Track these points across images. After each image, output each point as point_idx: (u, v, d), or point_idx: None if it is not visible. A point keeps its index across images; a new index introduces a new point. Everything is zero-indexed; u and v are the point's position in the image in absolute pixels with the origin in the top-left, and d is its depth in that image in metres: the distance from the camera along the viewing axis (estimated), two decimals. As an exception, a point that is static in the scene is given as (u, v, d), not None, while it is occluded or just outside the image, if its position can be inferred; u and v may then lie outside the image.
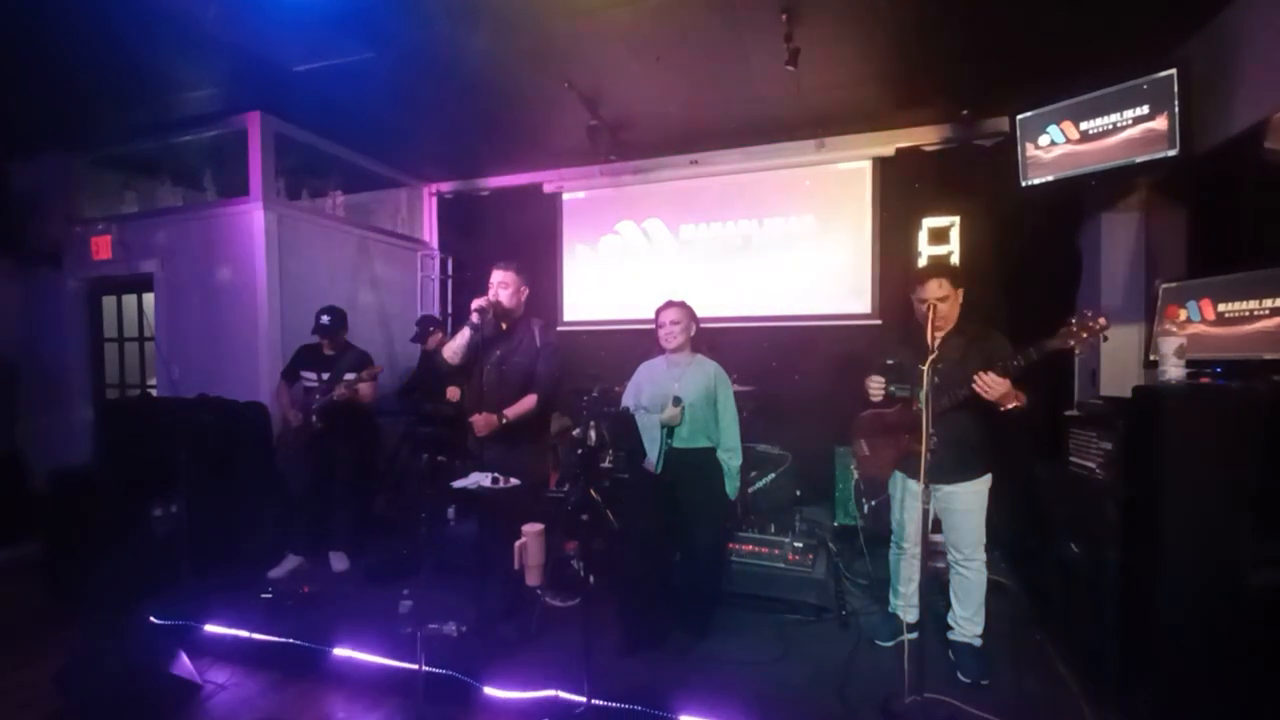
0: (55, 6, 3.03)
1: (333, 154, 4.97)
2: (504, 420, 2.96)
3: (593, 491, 2.47)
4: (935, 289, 2.50)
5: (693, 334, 2.98)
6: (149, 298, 4.94)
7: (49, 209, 5.12)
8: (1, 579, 4.05)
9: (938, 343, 2.45)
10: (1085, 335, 2.17)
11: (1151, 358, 2.78)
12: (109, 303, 5.38)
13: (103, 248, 4.97)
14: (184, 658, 2.70)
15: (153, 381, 5.10)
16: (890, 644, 2.80)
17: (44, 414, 5.23)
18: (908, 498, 2.70)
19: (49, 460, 4.77)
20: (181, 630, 3.09)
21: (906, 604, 2.77)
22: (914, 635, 2.51)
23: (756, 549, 3.33)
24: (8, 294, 5.26)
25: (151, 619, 3.17)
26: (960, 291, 2.56)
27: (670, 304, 3.01)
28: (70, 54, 3.47)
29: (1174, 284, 2.89)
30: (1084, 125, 3.27)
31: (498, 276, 3.08)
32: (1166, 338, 2.37)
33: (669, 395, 2.82)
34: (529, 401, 3.03)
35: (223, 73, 3.84)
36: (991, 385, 2.28)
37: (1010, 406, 2.34)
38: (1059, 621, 2.83)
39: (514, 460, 2.94)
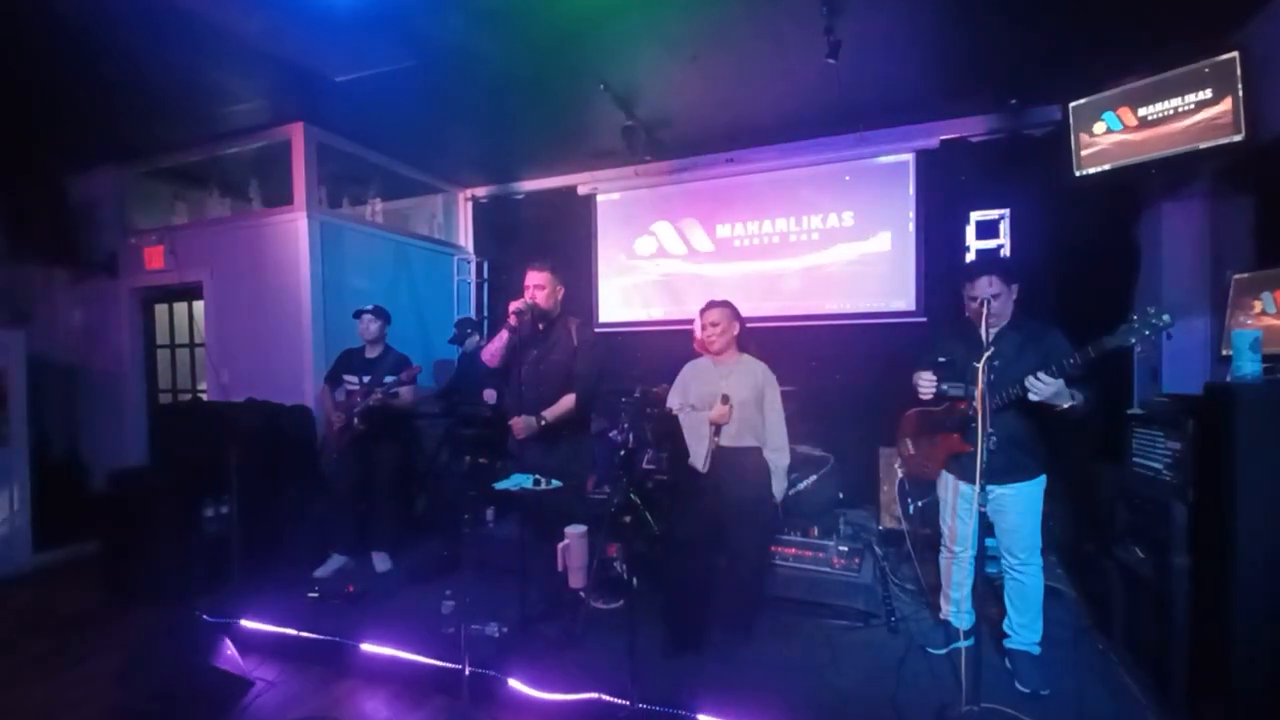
0: (107, 28, 3.14)
1: (372, 162, 5.06)
2: (543, 422, 2.96)
3: (633, 494, 2.45)
4: (986, 286, 2.42)
5: (736, 334, 2.94)
6: (199, 305, 5.10)
7: (104, 221, 5.33)
8: (63, 576, 4.21)
9: (991, 339, 2.36)
10: (1148, 333, 2.06)
11: (1224, 352, 2.64)
12: (161, 310, 5.57)
13: (155, 257, 5.14)
14: (234, 654, 2.77)
15: (203, 386, 5.26)
16: (943, 651, 2.71)
17: (102, 417, 5.44)
18: (958, 500, 2.61)
19: (107, 461, 4.97)
20: (232, 627, 3.17)
21: (959, 610, 2.68)
22: (969, 642, 2.42)
23: (800, 552, 3.26)
24: (67, 303, 5.50)
25: (203, 616, 3.25)
26: (1015, 287, 2.48)
27: (711, 305, 2.95)
28: (123, 72, 3.60)
29: (1247, 275, 2.74)
30: (1142, 111, 3.13)
31: (533, 278, 3.07)
32: (1241, 331, 2.24)
33: (717, 393, 2.78)
34: (567, 402, 3.02)
35: (267, 85, 3.95)
36: (1042, 386, 2.19)
37: (1066, 406, 2.25)
38: (1122, 630, 2.70)
39: (553, 461, 2.94)
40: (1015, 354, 2.40)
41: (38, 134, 4.48)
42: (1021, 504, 2.46)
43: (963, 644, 2.52)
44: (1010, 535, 2.50)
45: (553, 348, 3.07)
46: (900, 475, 3.58)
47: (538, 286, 3.05)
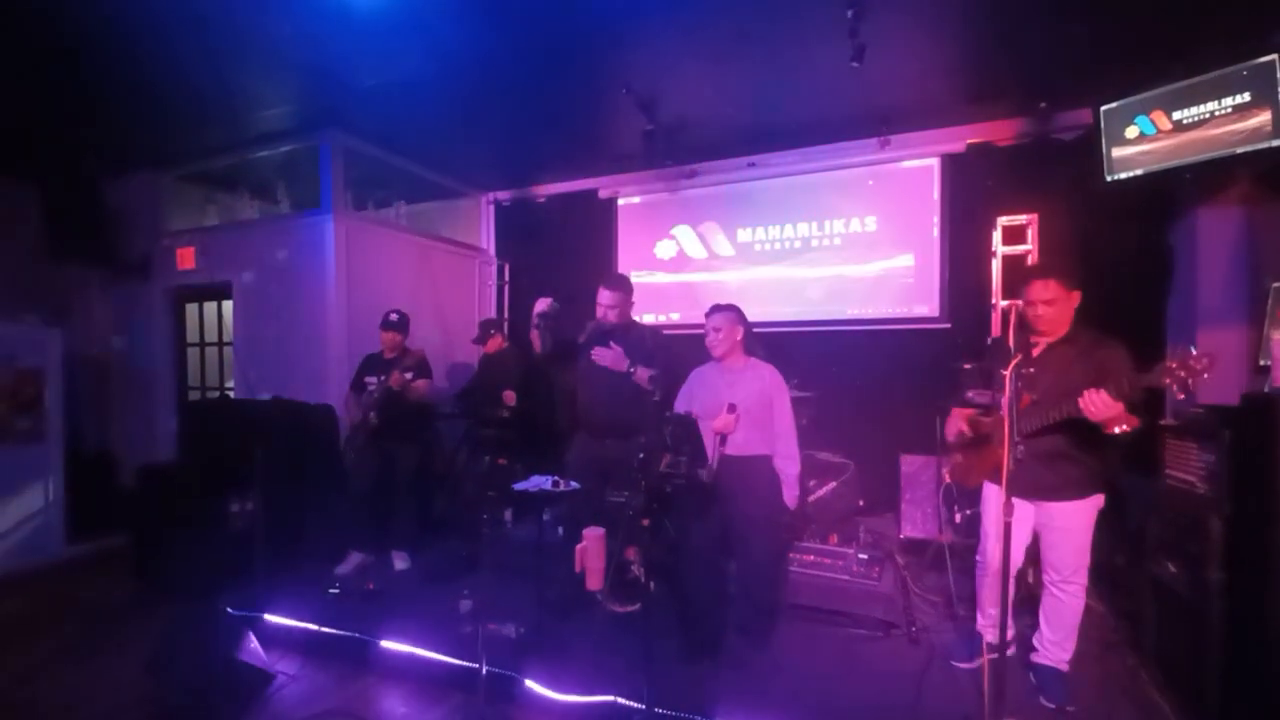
0: (146, 36, 3.23)
1: (397, 166, 5.14)
2: (631, 369, 3.08)
3: (651, 498, 2.43)
4: (1040, 291, 2.34)
5: (740, 338, 2.91)
6: (228, 305, 5.21)
7: (139, 223, 5.47)
8: (94, 567, 4.32)
9: (1040, 350, 2.35)
10: (1185, 375, 1.92)
11: (1262, 362, 2.56)
12: (191, 309, 5.70)
13: (186, 258, 5.27)
14: (258, 648, 2.81)
15: (231, 384, 5.38)
16: (971, 665, 2.64)
17: (133, 413, 5.59)
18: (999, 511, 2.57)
19: (137, 456, 5.10)
20: (255, 621, 3.22)
21: (989, 624, 2.62)
22: (994, 656, 2.38)
23: (819, 559, 3.24)
24: (102, 302, 5.66)
25: (228, 609, 3.30)
26: (1075, 295, 2.36)
27: (715, 309, 2.93)
28: (159, 78, 3.70)
29: (1286, 282, 2.66)
30: (1177, 115, 3.05)
31: (606, 298, 3.19)
32: (1281, 340, 2.17)
33: (722, 402, 2.75)
34: (646, 373, 3.13)
35: (297, 90, 4.04)
36: (1099, 407, 2.05)
37: (1120, 430, 2.12)
38: (1153, 646, 2.63)
39: (630, 455, 2.99)
40: (1066, 368, 2.30)
41: (77, 138, 4.62)
42: (1069, 520, 2.36)
43: (987, 658, 2.47)
44: (1054, 551, 2.41)
45: (628, 353, 3.15)
46: (948, 480, 3.50)
47: (610, 306, 3.18)
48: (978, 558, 2.69)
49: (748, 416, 2.74)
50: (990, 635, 2.60)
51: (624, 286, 3.25)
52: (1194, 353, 1.93)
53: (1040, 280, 2.35)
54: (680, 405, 2.98)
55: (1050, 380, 2.28)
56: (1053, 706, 2.37)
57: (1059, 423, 2.23)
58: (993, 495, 2.57)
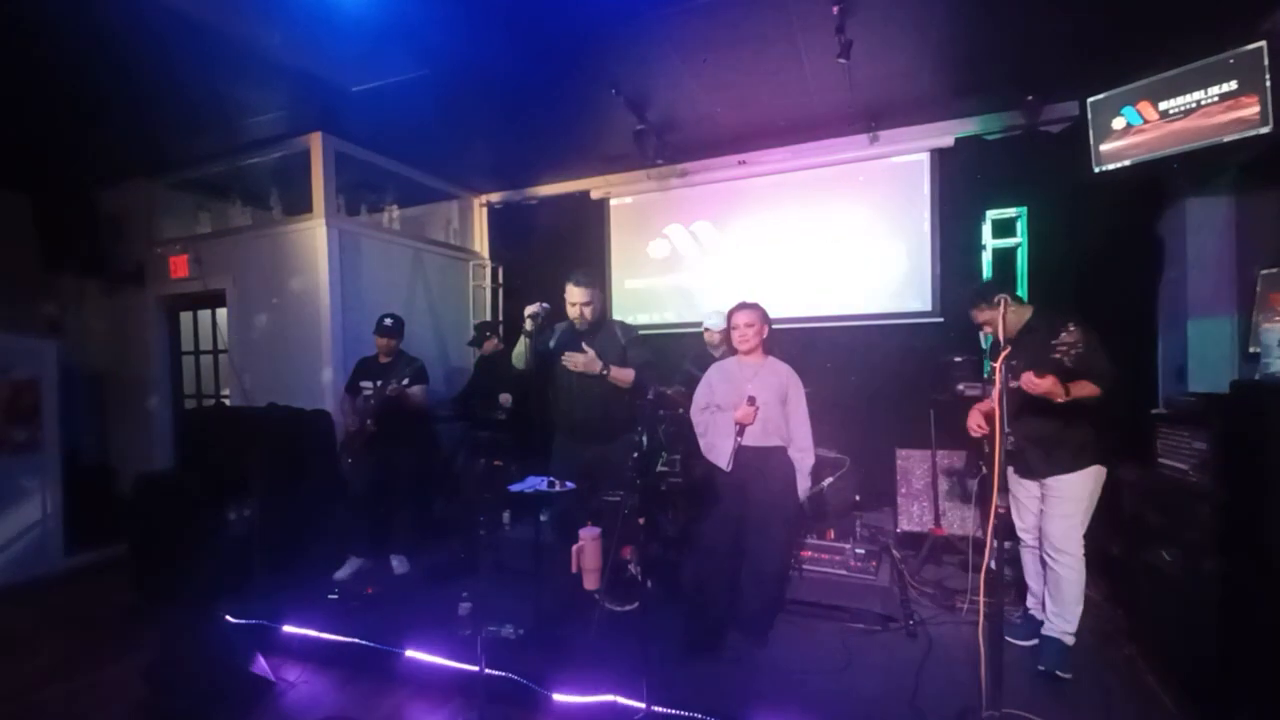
0: (137, 45, 3.23)
1: (388, 170, 5.13)
2: (605, 372, 3.06)
3: (648, 496, 2.45)
4: (976, 315, 2.71)
5: (765, 336, 2.94)
6: (222, 312, 5.19)
7: (132, 232, 5.46)
8: (92, 578, 4.32)
9: (1010, 339, 2.45)
10: (1066, 348, 2.23)
11: (1252, 350, 2.57)
12: (186, 318, 5.69)
13: (180, 266, 5.26)
14: (258, 656, 2.81)
15: (226, 391, 5.37)
16: (1029, 644, 2.70)
17: (129, 422, 5.58)
18: (1019, 491, 2.68)
19: (134, 465, 5.08)
20: (255, 629, 3.22)
21: (1037, 603, 2.73)
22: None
23: (816, 555, 3.25)
24: (97, 312, 5.64)
25: (227, 618, 3.30)
26: (1003, 299, 2.42)
27: (744, 306, 2.97)
28: (151, 87, 3.70)
29: (1275, 270, 2.67)
30: (1163, 105, 3.07)
31: (576, 295, 3.12)
32: (1270, 328, 2.19)
33: (742, 394, 2.79)
34: (629, 373, 3.12)
35: (287, 96, 4.02)
36: (1030, 385, 2.31)
37: (1062, 399, 2.32)
38: (1151, 634, 2.64)
39: (613, 457, 2.99)
40: (1035, 350, 2.42)
41: (68, 148, 4.61)
42: (1055, 492, 2.53)
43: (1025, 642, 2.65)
44: (1047, 522, 2.57)
45: (602, 351, 3.15)
46: (984, 471, 3.53)
47: (585, 304, 3.12)
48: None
49: (765, 409, 2.80)
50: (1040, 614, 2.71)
51: (596, 282, 3.19)
52: (1071, 328, 2.26)
53: (970, 310, 2.75)
54: (700, 398, 3.02)
55: (1025, 366, 2.39)
56: (1044, 669, 2.47)
57: (1037, 407, 2.42)
58: (1012, 477, 2.67)
